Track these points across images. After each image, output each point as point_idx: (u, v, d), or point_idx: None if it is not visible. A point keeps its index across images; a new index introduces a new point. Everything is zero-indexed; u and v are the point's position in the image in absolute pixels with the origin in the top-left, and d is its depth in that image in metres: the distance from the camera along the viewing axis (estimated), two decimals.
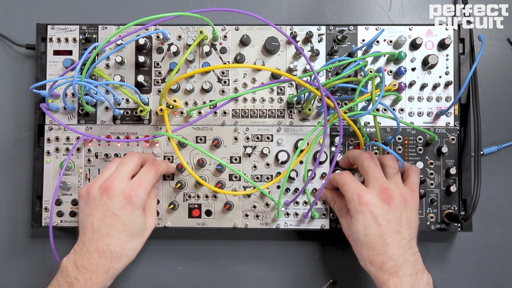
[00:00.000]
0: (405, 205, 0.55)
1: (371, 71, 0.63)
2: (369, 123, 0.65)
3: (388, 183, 0.56)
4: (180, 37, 0.66)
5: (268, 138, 0.65)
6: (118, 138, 0.66)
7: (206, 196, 0.65)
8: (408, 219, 0.55)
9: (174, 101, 0.64)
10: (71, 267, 0.54)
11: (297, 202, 0.65)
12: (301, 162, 0.64)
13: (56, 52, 0.66)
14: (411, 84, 0.65)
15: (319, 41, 0.65)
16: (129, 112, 0.66)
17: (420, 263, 0.54)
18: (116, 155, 0.65)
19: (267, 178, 0.65)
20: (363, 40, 0.65)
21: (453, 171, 0.63)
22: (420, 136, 0.65)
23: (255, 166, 0.65)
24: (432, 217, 0.64)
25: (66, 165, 0.63)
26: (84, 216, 0.57)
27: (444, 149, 0.63)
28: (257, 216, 0.65)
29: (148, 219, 0.59)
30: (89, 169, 0.65)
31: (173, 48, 0.64)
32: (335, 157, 0.56)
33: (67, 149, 0.65)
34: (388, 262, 0.53)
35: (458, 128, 0.65)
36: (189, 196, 0.65)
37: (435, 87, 0.65)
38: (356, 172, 0.64)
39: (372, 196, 0.54)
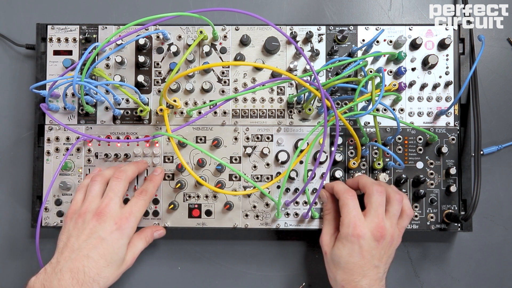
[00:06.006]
0: (391, 244, 0.58)
1: (371, 71, 0.62)
2: (369, 123, 0.65)
3: (385, 222, 0.57)
4: (180, 37, 0.66)
5: (268, 138, 0.65)
6: (118, 138, 0.65)
7: (206, 196, 0.65)
8: (388, 257, 0.59)
9: (174, 101, 0.64)
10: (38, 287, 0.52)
11: (297, 202, 0.65)
12: (301, 162, 0.64)
13: (56, 52, 0.66)
14: (411, 84, 0.65)
15: (319, 41, 0.65)
16: (129, 112, 0.66)
17: None
18: (116, 155, 0.65)
19: (267, 178, 0.65)
20: (363, 40, 0.65)
21: (453, 171, 0.63)
22: (420, 136, 0.65)
23: (255, 166, 0.65)
24: (432, 217, 0.64)
25: (64, 164, 0.63)
26: (67, 237, 0.56)
27: (444, 149, 0.63)
28: (257, 216, 0.65)
29: (128, 254, 0.58)
30: (89, 169, 0.65)
31: (173, 48, 0.64)
32: (332, 157, 0.57)
33: (67, 149, 0.65)
34: None
35: (458, 128, 0.65)
36: (189, 196, 0.65)
37: (435, 87, 0.65)
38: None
39: (367, 231, 0.56)
